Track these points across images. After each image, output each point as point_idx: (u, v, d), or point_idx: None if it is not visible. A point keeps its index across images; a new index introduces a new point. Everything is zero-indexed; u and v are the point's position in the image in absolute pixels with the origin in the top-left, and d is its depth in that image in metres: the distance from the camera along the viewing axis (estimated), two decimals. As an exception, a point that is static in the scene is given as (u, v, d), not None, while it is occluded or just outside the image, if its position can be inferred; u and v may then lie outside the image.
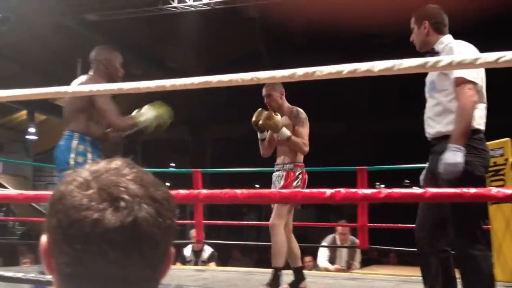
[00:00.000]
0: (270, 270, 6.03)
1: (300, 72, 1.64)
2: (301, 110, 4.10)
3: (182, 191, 1.69)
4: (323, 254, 6.42)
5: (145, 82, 1.75)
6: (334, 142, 15.15)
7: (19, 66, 12.38)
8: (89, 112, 3.43)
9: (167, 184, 17.60)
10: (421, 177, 2.86)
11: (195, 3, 8.97)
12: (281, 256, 3.92)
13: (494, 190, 1.41)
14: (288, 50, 14.72)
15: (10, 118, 15.45)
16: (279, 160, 4.15)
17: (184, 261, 6.73)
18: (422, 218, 2.75)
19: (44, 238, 0.71)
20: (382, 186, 14.43)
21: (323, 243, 6.52)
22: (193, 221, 6.12)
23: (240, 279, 5.02)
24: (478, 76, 2.56)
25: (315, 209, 15.02)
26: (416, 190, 1.52)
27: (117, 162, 0.74)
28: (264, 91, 4.09)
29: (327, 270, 6.12)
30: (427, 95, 2.81)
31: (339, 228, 6.37)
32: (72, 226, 0.67)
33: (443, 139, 2.62)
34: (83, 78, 3.60)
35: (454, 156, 2.43)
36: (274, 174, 4.20)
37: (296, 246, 4.20)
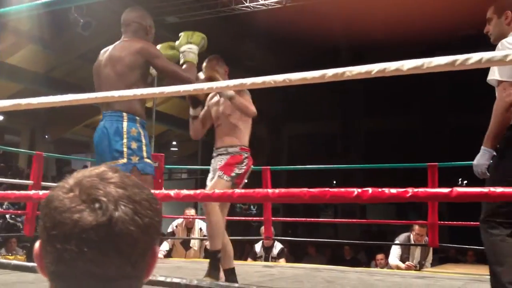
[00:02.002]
0: (338, 267, 6.08)
1: (330, 73, 1.66)
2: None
3: (218, 191, 1.75)
4: (394, 252, 6.32)
5: (185, 86, 1.83)
6: (409, 137, 14.79)
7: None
8: (137, 86, 2.81)
9: (245, 181, 17.80)
10: None
11: (266, 2, 9.06)
12: (218, 238, 3.45)
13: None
14: (367, 45, 14.50)
15: (97, 118, 16.15)
16: (220, 142, 3.65)
17: (255, 257, 6.85)
18: None
19: (37, 243, 0.78)
20: (465, 182, 13.91)
21: (396, 241, 6.42)
22: (262, 218, 6.20)
23: (306, 275, 5.04)
24: None
25: (395, 205, 14.76)
26: (442, 189, 1.50)
27: (102, 168, 0.80)
28: (208, 67, 3.64)
29: (398, 268, 6.02)
30: None
31: (416, 228, 6.21)
32: (54, 227, 0.73)
33: None
34: (125, 43, 3.07)
35: (479, 157, 2.49)
36: (214, 159, 3.67)
37: (229, 244, 3.69)
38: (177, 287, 1.79)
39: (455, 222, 5.72)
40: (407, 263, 6.07)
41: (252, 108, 3.50)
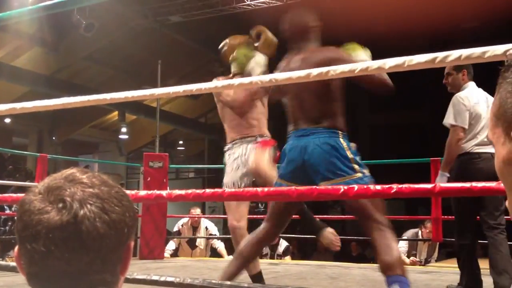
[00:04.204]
0: (343, 264, 6.09)
1: (315, 72, 1.69)
2: None
3: (209, 191, 1.78)
4: (400, 248, 6.33)
5: (183, 86, 1.85)
6: (415, 132, 14.76)
7: (111, 69, 13.12)
8: (341, 103, 2.77)
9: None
10: None
11: (267, 0, 9.08)
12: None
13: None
14: (370, 40, 14.46)
15: (104, 119, 16.30)
16: (247, 130, 3.58)
17: (260, 254, 6.87)
18: None
19: (16, 246, 0.80)
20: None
21: (404, 237, 6.44)
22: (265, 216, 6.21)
23: (310, 272, 5.06)
24: (465, 118, 3.46)
25: (404, 201, 14.72)
26: (426, 185, 1.53)
27: (71, 170, 0.82)
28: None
29: None
30: None
31: (428, 226, 6.20)
32: (24, 228, 0.76)
33: None
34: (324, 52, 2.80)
35: (439, 179, 3.38)
36: (241, 147, 3.54)
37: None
38: (171, 285, 1.82)
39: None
40: (411, 258, 6.08)
41: None
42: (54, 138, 15.52)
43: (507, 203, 0.73)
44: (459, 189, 1.47)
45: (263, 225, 2.79)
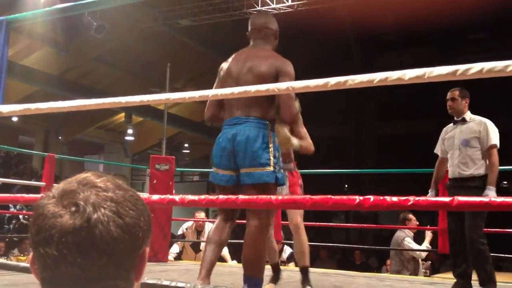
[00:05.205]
0: (348, 272, 6.07)
1: (333, 81, 1.68)
2: None
3: (222, 197, 1.77)
4: (413, 244, 6.38)
5: (189, 93, 1.84)
6: (422, 141, 14.69)
7: (119, 70, 13.14)
8: (273, 96, 2.78)
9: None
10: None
11: (278, 6, 9.09)
12: (308, 255, 3.94)
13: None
14: (378, 47, 14.47)
15: (110, 120, 16.32)
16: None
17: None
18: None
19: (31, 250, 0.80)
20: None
21: (401, 243, 6.43)
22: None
23: (314, 280, 5.00)
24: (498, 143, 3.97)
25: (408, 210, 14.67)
26: (444, 198, 1.51)
27: (85, 174, 0.82)
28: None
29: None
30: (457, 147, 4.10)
31: (411, 217, 6.37)
32: (38, 232, 0.75)
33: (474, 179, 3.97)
34: (260, 52, 2.96)
35: (491, 193, 3.77)
36: None
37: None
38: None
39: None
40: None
41: (312, 147, 3.61)
42: (60, 137, 15.55)
43: None
44: (477, 204, 1.46)
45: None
